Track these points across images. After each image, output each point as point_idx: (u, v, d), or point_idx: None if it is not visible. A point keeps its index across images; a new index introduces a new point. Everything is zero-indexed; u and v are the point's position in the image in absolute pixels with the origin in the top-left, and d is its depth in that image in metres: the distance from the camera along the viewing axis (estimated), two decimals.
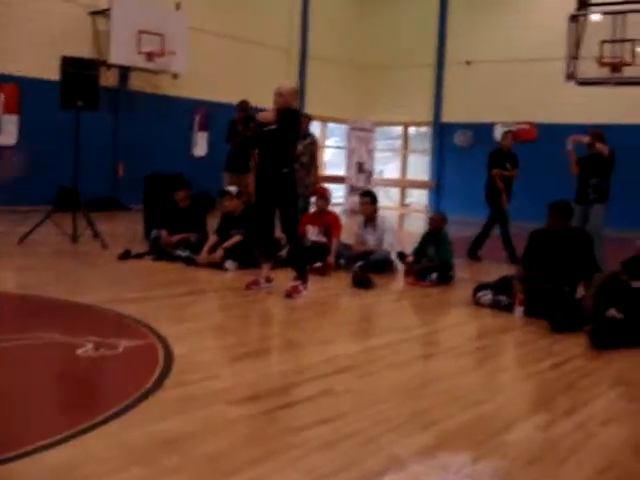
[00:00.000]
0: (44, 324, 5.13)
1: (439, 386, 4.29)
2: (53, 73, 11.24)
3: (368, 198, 8.66)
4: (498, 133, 18.40)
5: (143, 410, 3.52)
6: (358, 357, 4.76)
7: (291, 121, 6.62)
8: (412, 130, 21.82)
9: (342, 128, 20.89)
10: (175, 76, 15.78)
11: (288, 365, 4.51)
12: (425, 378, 4.50)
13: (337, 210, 10.47)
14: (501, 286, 6.69)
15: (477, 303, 6.69)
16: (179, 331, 5.10)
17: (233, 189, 8.45)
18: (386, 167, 22.28)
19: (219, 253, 7.99)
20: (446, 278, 7.76)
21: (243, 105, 10.26)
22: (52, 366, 4.32)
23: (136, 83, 15.83)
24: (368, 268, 7.97)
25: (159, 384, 3.90)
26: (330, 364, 4.52)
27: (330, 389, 4.03)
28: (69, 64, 9.41)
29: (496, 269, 8.53)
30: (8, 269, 7.73)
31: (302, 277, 6.73)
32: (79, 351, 4.42)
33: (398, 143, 22.02)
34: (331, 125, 21.32)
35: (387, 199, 20.59)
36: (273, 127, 6.58)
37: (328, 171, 20.82)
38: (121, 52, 14.66)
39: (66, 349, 4.50)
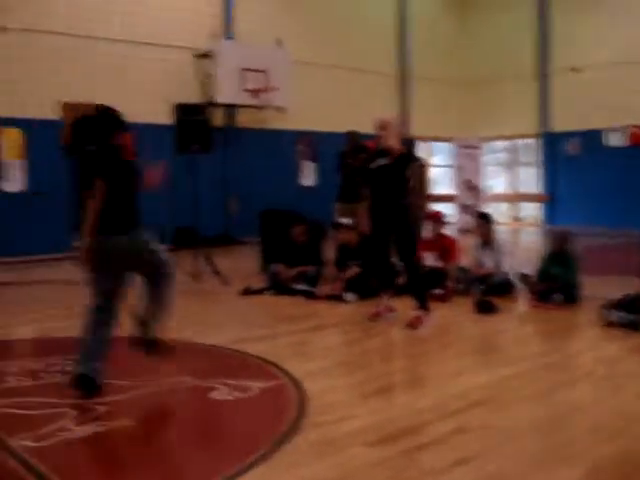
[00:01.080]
0: (176, 368, 5.29)
1: (579, 417, 4.15)
2: (166, 117, 11.70)
3: (483, 220, 8.54)
4: (612, 138, 17.88)
5: (283, 456, 3.57)
6: (490, 389, 4.67)
7: (405, 155, 6.66)
8: (520, 142, 21.37)
9: (447, 146, 20.74)
10: (280, 110, 16.09)
11: (420, 401, 4.48)
12: (563, 409, 4.36)
13: (449, 230, 10.33)
14: (630, 304, 6.44)
15: (606, 324, 6.46)
16: (308, 369, 5.16)
17: (348, 221, 8.51)
18: (495, 182, 21.90)
19: (338, 285, 8.05)
20: (572, 298, 7.53)
21: (352, 136, 10.34)
22: (189, 412, 4.45)
23: (243, 120, 16.24)
24: (489, 292, 7.83)
25: (296, 427, 3.95)
26: (462, 398, 4.46)
27: (465, 425, 3.98)
28: (181, 111, 9.76)
29: (622, 284, 8.21)
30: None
31: (424, 307, 6.70)
32: (214, 395, 4.54)
33: (505, 157, 21.61)
34: (435, 143, 21.17)
35: (498, 215, 20.22)
36: (387, 162, 6.62)
37: (436, 190, 20.65)
38: (227, 91, 15.10)
39: (200, 393, 4.63)
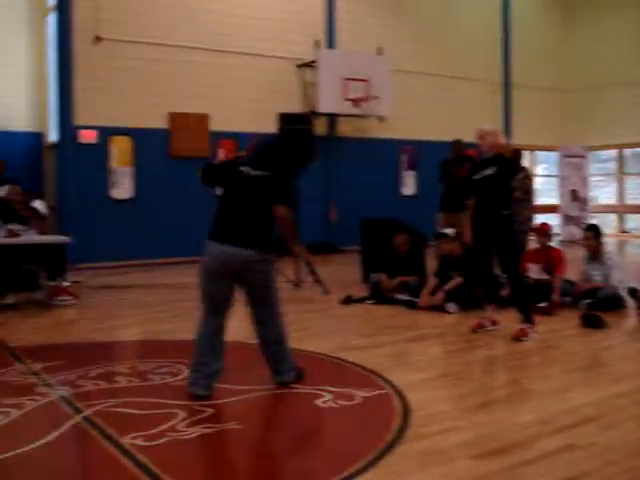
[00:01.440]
0: None
1: None
2: (267, 126, 11.91)
3: (592, 232, 8.31)
4: None
5: (388, 465, 3.58)
6: (599, 407, 4.54)
7: (509, 164, 6.59)
8: (628, 151, 20.67)
9: (551, 155, 20.27)
10: (381, 119, 16.11)
11: (527, 416, 4.38)
12: None
13: (554, 242, 10.09)
14: None
15: None
16: (410, 380, 5.14)
17: (450, 231, 8.45)
18: (601, 192, 21.25)
19: (440, 296, 8.00)
20: None
21: (456, 145, 10.24)
22: (296, 418, 4.51)
23: (344, 129, 16.35)
24: (596, 306, 7.60)
25: (400, 437, 3.94)
26: (570, 415, 4.36)
27: (574, 442, 3.88)
28: (284, 120, 9.91)
29: None
30: (241, 318, 8.15)
31: (528, 320, 6.58)
32: (318, 402, 4.58)
33: (612, 166, 20.93)
34: (538, 152, 20.73)
35: (604, 226, 19.58)
36: (492, 172, 6.56)
37: (539, 200, 20.19)
38: (328, 101, 15.25)
39: (306, 400, 4.68)
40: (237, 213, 4.80)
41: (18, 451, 3.78)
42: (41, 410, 4.57)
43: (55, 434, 4.07)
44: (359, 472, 3.46)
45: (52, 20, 13.64)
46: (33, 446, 3.85)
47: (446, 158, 10.40)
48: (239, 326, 5.84)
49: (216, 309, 4.83)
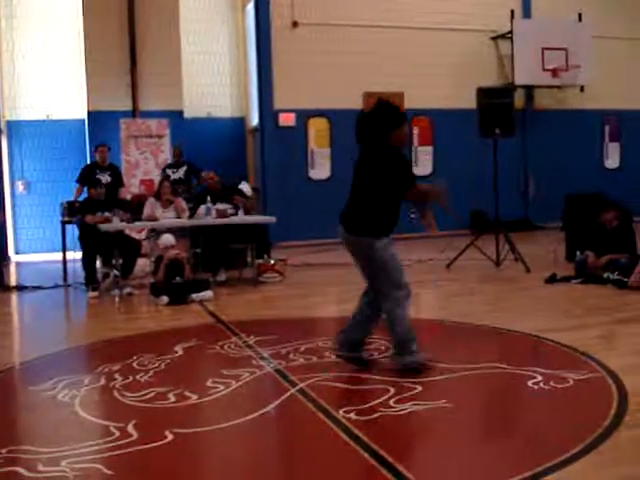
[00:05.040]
0: (489, 353, 5.33)
1: None
2: (462, 102, 11.73)
3: None
4: None
5: (605, 452, 3.43)
6: None
7: None
8: None
9: None
10: (582, 89, 15.41)
11: None
12: None
13: None
14: None
15: None
16: (624, 363, 4.89)
17: None
18: None
19: None
20: None
21: None
22: (508, 397, 4.47)
23: (541, 101, 15.80)
24: None
25: (617, 423, 3.78)
26: None
27: None
28: (484, 94, 9.75)
29: None
30: (440, 297, 8.17)
31: None
32: (530, 383, 4.50)
33: None
34: None
35: None
36: None
37: None
38: (525, 73, 14.83)
39: (517, 381, 4.61)
40: None
41: (238, 421, 4.01)
42: (258, 381, 4.82)
43: (273, 405, 4.27)
44: (574, 458, 3.35)
45: (251, 9, 14.20)
46: (253, 416, 4.06)
47: None
48: (440, 305, 5.87)
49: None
